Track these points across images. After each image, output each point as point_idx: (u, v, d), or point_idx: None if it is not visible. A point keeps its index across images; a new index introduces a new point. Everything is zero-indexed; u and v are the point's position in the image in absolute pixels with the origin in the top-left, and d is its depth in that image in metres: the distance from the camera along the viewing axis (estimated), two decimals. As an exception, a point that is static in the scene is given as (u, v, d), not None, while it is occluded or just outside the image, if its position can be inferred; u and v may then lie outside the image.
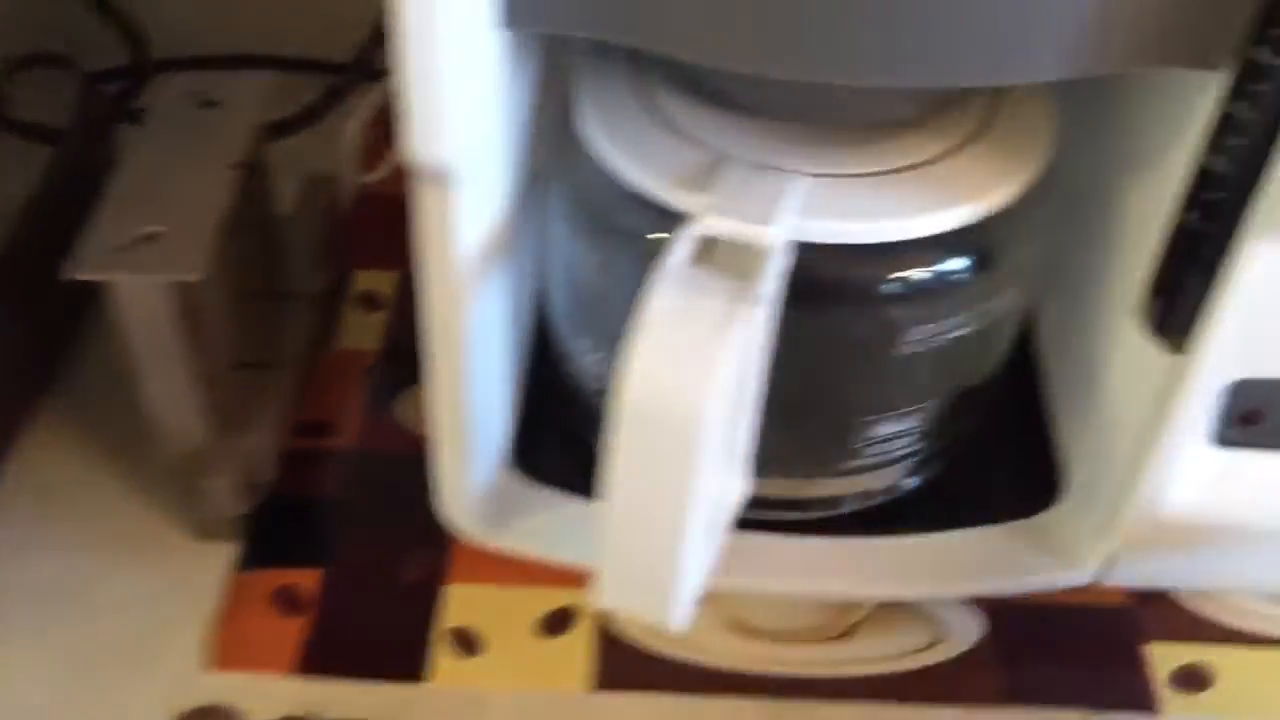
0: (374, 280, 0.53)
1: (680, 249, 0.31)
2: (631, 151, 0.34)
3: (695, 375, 0.29)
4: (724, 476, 0.36)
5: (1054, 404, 0.42)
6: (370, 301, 0.53)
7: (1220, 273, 0.31)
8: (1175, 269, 0.33)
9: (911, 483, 0.41)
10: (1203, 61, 0.29)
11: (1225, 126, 0.30)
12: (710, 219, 0.31)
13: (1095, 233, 0.38)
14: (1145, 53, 0.29)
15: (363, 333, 0.52)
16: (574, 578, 0.39)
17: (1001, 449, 0.43)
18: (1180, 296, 0.33)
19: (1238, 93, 0.29)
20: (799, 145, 0.34)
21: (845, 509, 0.40)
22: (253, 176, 0.41)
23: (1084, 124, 0.38)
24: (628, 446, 0.30)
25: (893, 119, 0.35)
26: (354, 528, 0.44)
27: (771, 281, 0.31)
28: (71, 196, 0.40)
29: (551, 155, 0.38)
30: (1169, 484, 0.37)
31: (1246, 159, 0.29)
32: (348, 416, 0.48)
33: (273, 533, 0.44)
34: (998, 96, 0.36)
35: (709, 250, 0.32)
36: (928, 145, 0.34)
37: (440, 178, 0.30)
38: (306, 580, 0.42)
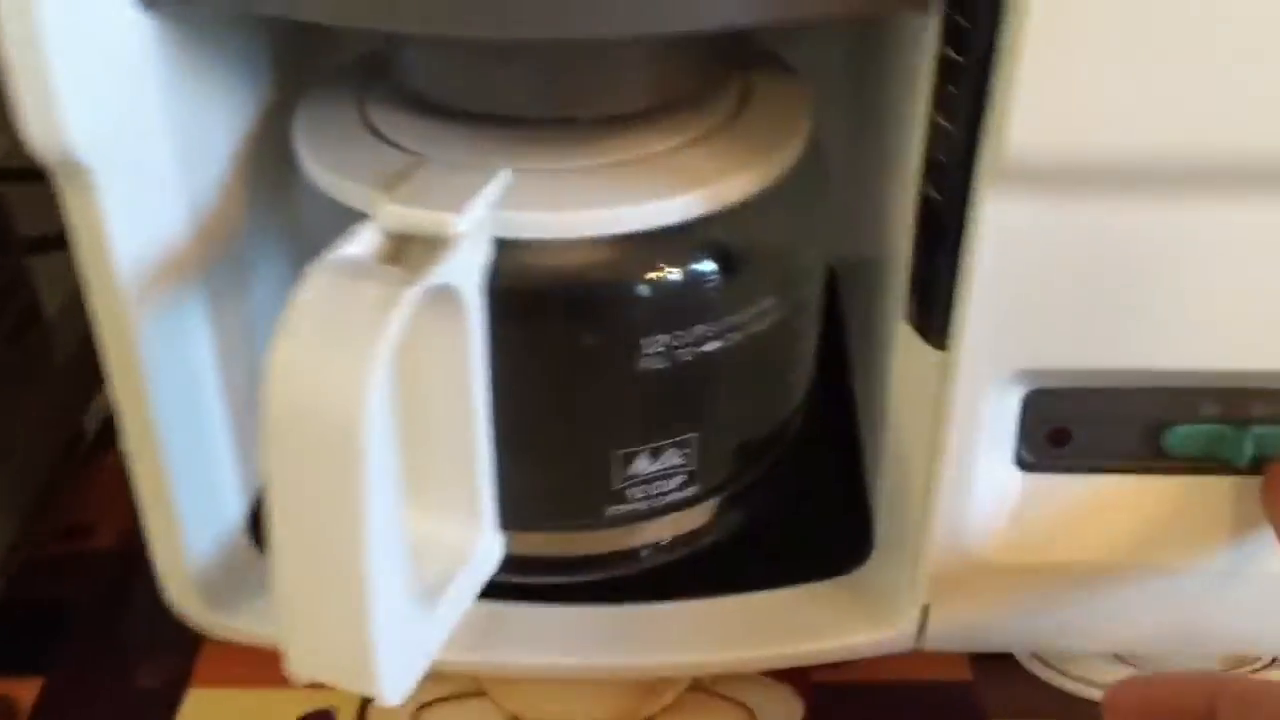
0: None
1: (351, 243, 0.27)
2: (335, 163, 0.31)
3: (347, 367, 0.25)
4: (455, 528, 0.32)
5: (863, 438, 0.38)
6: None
7: (962, 248, 0.28)
8: (923, 252, 0.29)
9: (708, 537, 0.36)
10: (909, 2, 0.27)
11: (942, 74, 0.27)
12: (390, 209, 0.28)
13: (874, 233, 0.35)
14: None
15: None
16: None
17: (818, 497, 0.38)
18: (931, 283, 0.29)
19: (947, 34, 0.26)
20: (520, 146, 0.31)
21: (631, 568, 0.35)
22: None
23: (848, 115, 0.35)
24: (281, 470, 0.26)
25: (628, 113, 0.32)
26: (93, 632, 0.39)
27: (459, 272, 0.27)
28: None
29: (275, 189, 0.35)
30: (969, 516, 0.32)
31: (965, 109, 0.26)
32: (114, 518, 0.43)
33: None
34: (747, 87, 0.33)
35: (398, 250, 0.28)
36: (663, 139, 0.31)
37: (73, 172, 0.27)
38: (24, 691, 0.37)
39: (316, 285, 0.26)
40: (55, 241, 0.52)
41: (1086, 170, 0.25)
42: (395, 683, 0.29)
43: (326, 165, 0.31)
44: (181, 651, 0.38)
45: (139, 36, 0.28)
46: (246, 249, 0.34)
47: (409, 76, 0.33)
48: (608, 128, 0.31)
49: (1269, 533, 0.31)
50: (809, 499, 0.38)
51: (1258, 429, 0.31)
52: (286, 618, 0.28)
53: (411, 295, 0.26)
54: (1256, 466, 0.31)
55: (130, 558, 0.41)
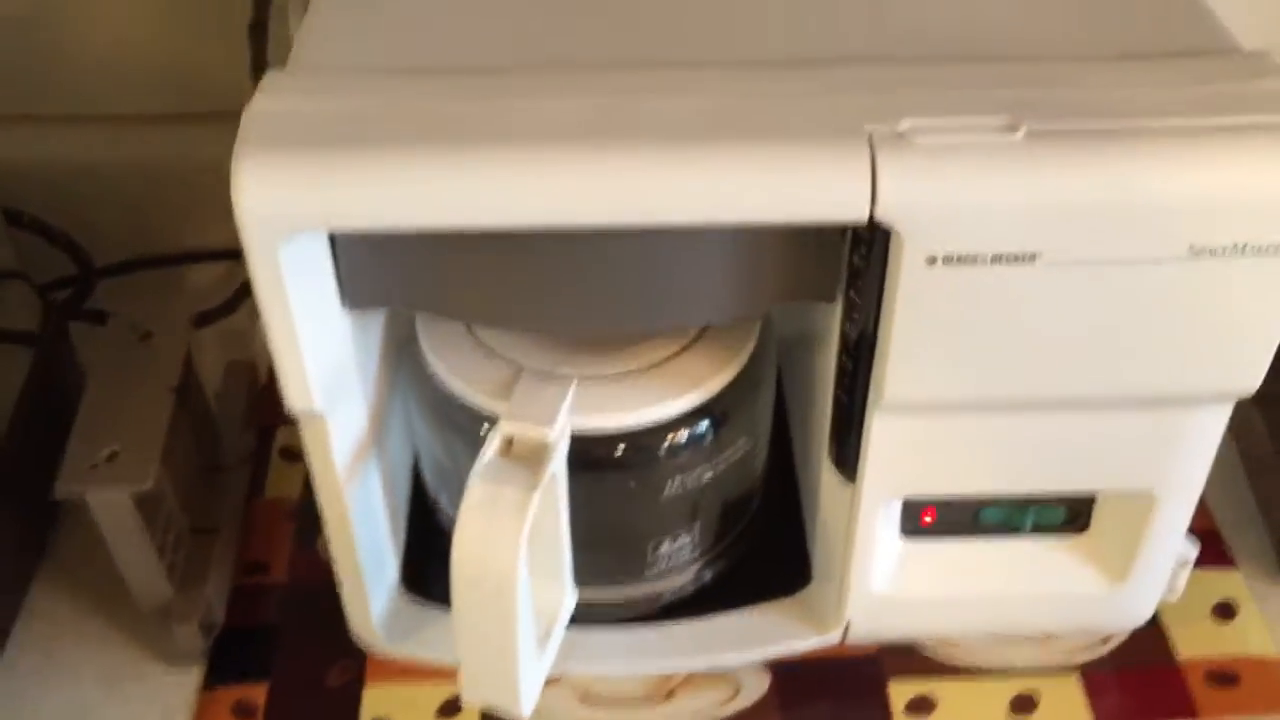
0: (292, 434, 0.64)
1: (488, 450, 0.44)
2: (454, 369, 0.48)
3: (501, 549, 0.42)
4: (550, 594, 0.50)
5: (804, 511, 0.56)
6: (291, 454, 0.66)
7: (864, 429, 0.45)
8: (838, 426, 0.47)
9: (706, 578, 0.54)
10: (822, 296, 0.43)
11: (843, 337, 0.44)
12: (507, 423, 0.45)
13: (805, 399, 0.52)
14: (784, 294, 0.43)
15: (285, 482, 0.64)
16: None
17: (775, 546, 0.57)
18: (843, 443, 0.47)
19: (846, 315, 0.43)
20: (575, 353, 0.48)
21: (657, 604, 0.54)
22: (186, 391, 0.54)
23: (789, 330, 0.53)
24: (463, 598, 0.44)
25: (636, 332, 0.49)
26: (290, 647, 0.57)
27: (557, 463, 0.44)
28: (47, 396, 0.52)
29: (407, 371, 0.51)
30: (874, 568, 0.50)
31: (859, 360, 0.43)
32: (279, 555, 0.61)
33: (227, 657, 0.56)
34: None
35: (510, 443, 0.45)
36: (660, 349, 0.48)
37: (312, 418, 0.44)
38: (256, 693, 0.55)
39: (474, 491, 0.43)
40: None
41: (942, 406, 0.43)
42: (529, 700, 0.47)
43: (450, 374, 0.48)
44: (357, 659, 0.56)
45: (344, 324, 0.44)
46: (387, 415, 0.51)
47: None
48: (629, 339, 0.48)
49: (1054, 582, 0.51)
50: (771, 547, 0.56)
51: (1034, 509, 0.50)
52: (465, 668, 0.46)
53: (537, 496, 0.43)
54: (1037, 529, 0.50)
55: (301, 587, 0.59)
